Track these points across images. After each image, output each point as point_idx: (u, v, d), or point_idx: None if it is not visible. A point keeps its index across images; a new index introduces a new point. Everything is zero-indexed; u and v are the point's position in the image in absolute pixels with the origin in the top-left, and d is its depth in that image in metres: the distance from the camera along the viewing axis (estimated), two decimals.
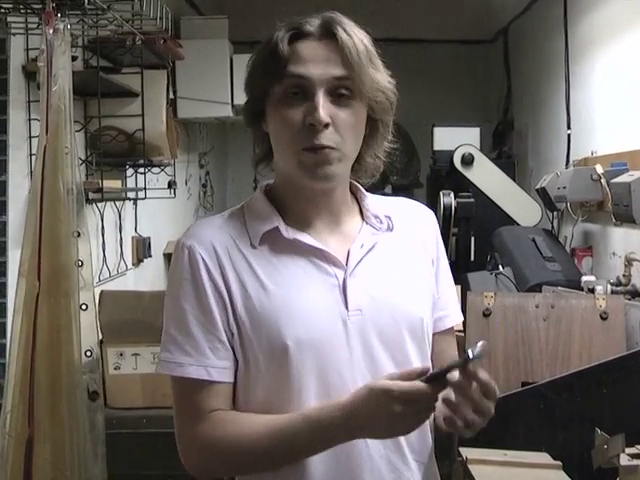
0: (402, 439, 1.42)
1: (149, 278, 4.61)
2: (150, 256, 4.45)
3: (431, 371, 1.27)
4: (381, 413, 1.24)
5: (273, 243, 1.41)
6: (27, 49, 2.71)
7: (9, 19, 2.22)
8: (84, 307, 2.08)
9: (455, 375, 1.23)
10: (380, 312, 1.41)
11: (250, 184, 7.07)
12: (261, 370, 1.38)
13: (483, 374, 1.24)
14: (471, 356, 1.21)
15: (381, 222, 1.48)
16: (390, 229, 1.49)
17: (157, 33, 2.87)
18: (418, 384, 1.23)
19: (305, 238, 1.41)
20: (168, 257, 5.00)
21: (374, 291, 1.42)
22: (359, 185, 1.53)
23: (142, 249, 4.29)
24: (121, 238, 4.05)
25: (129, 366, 2.93)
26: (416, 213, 1.58)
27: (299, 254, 1.41)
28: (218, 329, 1.37)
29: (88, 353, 2.11)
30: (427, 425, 1.46)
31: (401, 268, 1.48)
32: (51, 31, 1.90)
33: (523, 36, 6.14)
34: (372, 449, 1.39)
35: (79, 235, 2.07)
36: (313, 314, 1.38)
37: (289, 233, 1.40)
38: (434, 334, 1.53)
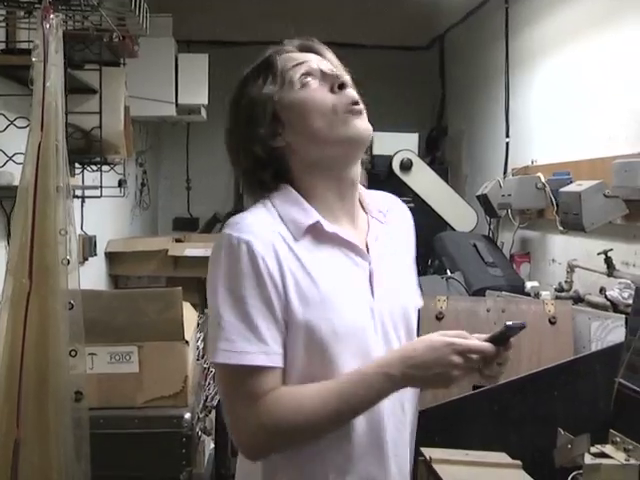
0: (388, 439, 1.51)
1: (92, 277, 4.53)
2: (95, 254, 4.39)
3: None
4: (438, 362, 1.37)
5: (314, 237, 1.49)
6: (6, 41, 2.68)
7: None
8: (69, 306, 2.06)
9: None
10: (391, 301, 1.54)
11: (182, 183, 6.98)
12: (302, 357, 1.45)
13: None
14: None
15: (384, 215, 1.61)
16: (386, 222, 1.61)
17: (111, 31, 2.84)
18: (479, 343, 1.40)
19: (342, 232, 1.51)
20: (109, 256, 4.92)
21: (386, 281, 1.54)
22: None
23: (88, 247, 4.22)
24: None
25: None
26: (398, 208, 1.70)
27: (336, 247, 1.50)
28: (277, 318, 1.43)
29: (73, 353, 2.09)
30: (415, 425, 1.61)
31: (398, 259, 1.62)
32: (48, 26, 1.88)
33: (460, 44, 6.24)
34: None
35: (66, 233, 2.05)
36: (354, 303, 1.48)
37: (329, 227, 1.49)
38: None
